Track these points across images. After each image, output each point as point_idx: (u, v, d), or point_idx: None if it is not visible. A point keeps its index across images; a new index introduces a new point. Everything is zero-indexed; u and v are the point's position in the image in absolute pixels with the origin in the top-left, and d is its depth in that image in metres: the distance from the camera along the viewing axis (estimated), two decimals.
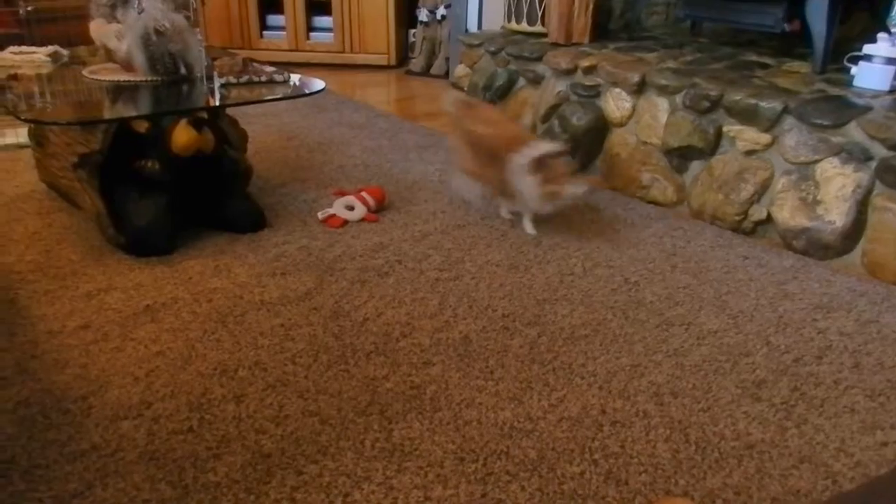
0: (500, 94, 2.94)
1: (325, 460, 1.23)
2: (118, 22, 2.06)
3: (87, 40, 2.23)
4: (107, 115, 1.98)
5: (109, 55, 2.13)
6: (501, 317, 1.68)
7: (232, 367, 1.47)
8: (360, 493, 1.16)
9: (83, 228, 2.08)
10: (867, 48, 2.14)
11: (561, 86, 2.70)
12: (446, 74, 4.18)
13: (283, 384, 1.42)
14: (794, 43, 2.66)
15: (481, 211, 2.28)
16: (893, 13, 2.09)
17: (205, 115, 2.01)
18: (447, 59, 4.18)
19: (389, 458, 1.24)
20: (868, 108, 1.96)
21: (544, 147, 1.99)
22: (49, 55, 2.29)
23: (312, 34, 4.39)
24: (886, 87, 2.11)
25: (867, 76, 2.15)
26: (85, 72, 2.14)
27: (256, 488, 1.17)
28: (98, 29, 2.12)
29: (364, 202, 2.22)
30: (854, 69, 2.19)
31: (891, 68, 2.10)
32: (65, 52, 2.36)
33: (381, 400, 1.38)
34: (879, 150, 1.90)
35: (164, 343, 1.55)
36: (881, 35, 2.11)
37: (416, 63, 4.36)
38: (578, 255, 2.01)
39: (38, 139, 2.24)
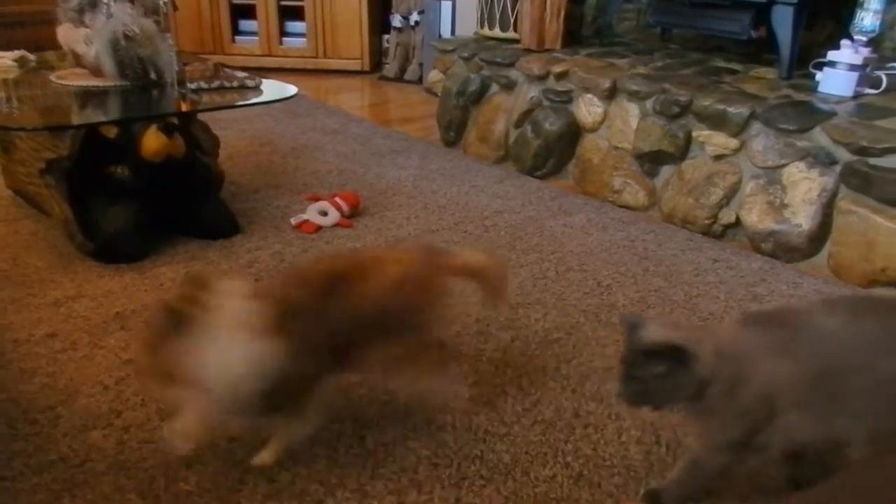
0: (473, 99, 2.95)
1: (297, 467, 1.22)
2: (86, 27, 2.03)
3: (55, 45, 2.20)
4: (75, 120, 1.95)
5: (78, 60, 2.10)
6: (475, 321, 1.69)
7: None
8: (334, 500, 1.16)
9: (51, 235, 2.05)
10: (831, 55, 2.18)
11: (533, 91, 2.72)
12: (420, 80, 4.18)
13: None
14: (762, 49, 2.71)
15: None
16: (857, 20, 2.13)
17: (175, 120, 2.00)
18: (421, 65, 4.19)
19: (363, 465, 1.23)
20: (832, 114, 2.00)
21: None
22: (16, 60, 2.25)
23: (285, 39, 4.37)
24: (850, 93, 2.16)
25: (831, 82, 2.19)
26: (53, 77, 2.11)
27: (228, 497, 1.16)
28: (66, 33, 2.10)
29: (338, 207, 2.21)
30: (819, 75, 2.23)
31: (854, 74, 2.14)
32: (32, 56, 2.32)
33: (355, 406, 1.38)
34: (843, 155, 1.93)
35: (134, 351, 1.53)
36: (845, 42, 2.15)
37: (390, 68, 4.36)
38: (551, 259, 2.02)
39: (5, 145, 2.20)
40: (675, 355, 0.98)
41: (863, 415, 0.99)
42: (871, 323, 1.02)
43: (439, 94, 3.15)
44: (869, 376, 0.98)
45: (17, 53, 2.29)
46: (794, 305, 1.16)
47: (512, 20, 2.95)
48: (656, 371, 0.99)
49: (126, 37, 1.96)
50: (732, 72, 2.55)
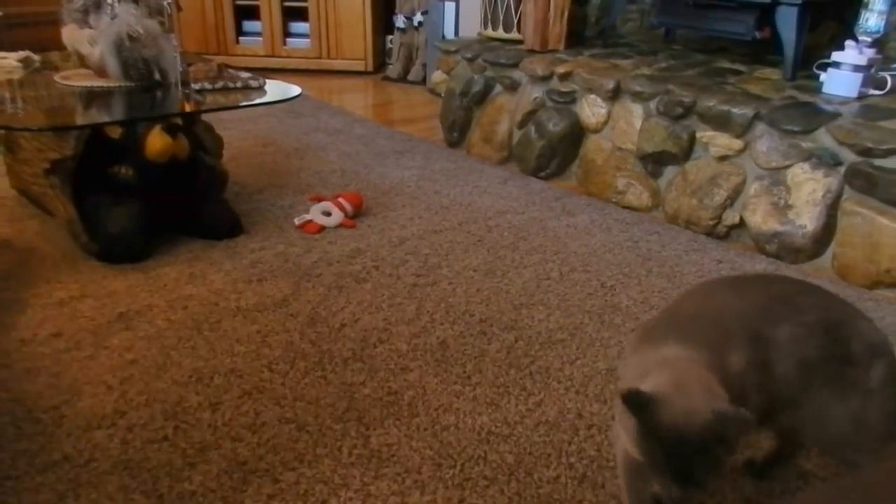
0: (476, 100, 2.95)
1: (302, 467, 1.22)
2: (91, 27, 2.04)
3: (60, 46, 2.20)
4: (79, 120, 1.96)
5: (82, 61, 2.11)
6: (478, 322, 1.69)
7: (207, 375, 1.46)
8: (338, 501, 1.16)
9: (55, 235, 2.05)
10: (836, 56, 2.18)
11: (537, 92, 2.72)
12: (423, 81, 4.18)
13: (260, 391, 1.41)
14: (766, 50, 2.70)
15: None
16: (861, 21, 2.13)
17: (179, 121, 2.00)
18: (424, 66, 4.19)
19: (367, 465, 1.23)
20: (837, 115, 2.00)
21: None
22: (20, 60, 2.26)
23: (289, 40, 4.38)
24: (854, 94, 2.15)
25: (836, 83, 2.19)
26: (57, 77, 2.11)
27: (232, 497, 1.16)
28: (70, 34, 2.10)
29: (341, 208, 2.21)
30: (823, 76, 2.23)
31: (858, 75, 2.14)
32: (36, 57, 2.33)
33: (359, 406, 1.38)
34: (848, 156, 1.93)
35: (138, 351, 1.53)
36: (849, 43, 2.15)
37: (393, 69, 4.36)
38: (555, 260, 2.02)
39: (10, 145, 2.21)
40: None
41: (779, 384, 1.00)
42: (759, 295, 1.05)
43: (442, 95, 3.15)
44: (778, 345, 1.00)
45: (21, 54, 2.29)
46: (685, 301, 1.11)
47: (515, 21, 2.95)
48: (713, 443, 0.86)
49: (130, 37, 1.96)
50: (736, 73, 2.55)
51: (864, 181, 1.90)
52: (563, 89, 2.63)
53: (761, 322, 1.01)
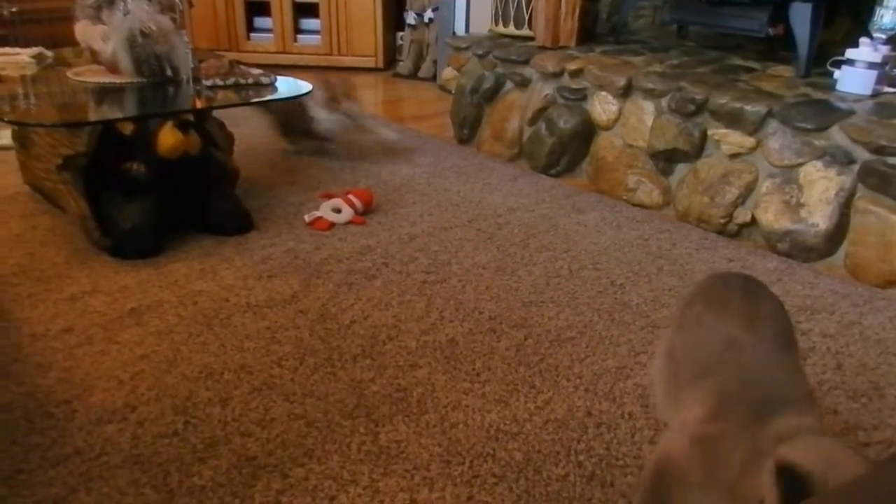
0: (487, 97, 2.95)
1: (311, 463, 1.23)
2: (103, 23, 2.05)
3: (73, 42, 2.21)
4: (92, 116, 1.97)
5: (95, 57, 2.12)
6: (488, 319, 1.69)
7: (217, 371, 1.46)
8: (347, 497, 1.16)
9: (67, 231, 2.07)
10: (850, 53, 2.16)
11: (548, 89, 2.71)
12: (434, 77, 4.18)
13: (269, 387, 1.42)
14: (779, 47, 2.68)
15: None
16: (876, 18, 2.11)
17: (191, 117, 2.01)
18: (435, 62, 4.19)
19: (376, 461, 1.24)
20: (850, 112, 1.98)
21: None
22: (33, 56, 2.28)
23: (300, 36, 4.39)
24: (868, 92, 2.13)
25: (850, 80, 2.17)
26: (70, 73, 2.13)
27: (242, 492, 1.16)
28: (83, 30, 2.11)
29: (351, 205, 2.21)
30: (837, 73, 2.21)
31: (873, 73, 2.12)
32: (49, 53, 2.35)
33: (368, 403, 1.38)
34: (862, 154, 1.92)
35: (148, 346, 1.54)
36: (863, 40, 2.13)
37: (404, 66, 4.36)
38: (565, 258, 2.01)
39: (23, 141, 2.22)
40: None
41: None
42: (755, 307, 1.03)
43: (453, 92, 3.15)
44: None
45: (34, 50, 2.31)
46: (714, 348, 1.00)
47: (526, 17, 2.94)
48: None
49: (143, 34, 1.97)
50: (749, 70, 2.53)
51: (878, 179, 1.89)
52: (574, 86, 2.62)
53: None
